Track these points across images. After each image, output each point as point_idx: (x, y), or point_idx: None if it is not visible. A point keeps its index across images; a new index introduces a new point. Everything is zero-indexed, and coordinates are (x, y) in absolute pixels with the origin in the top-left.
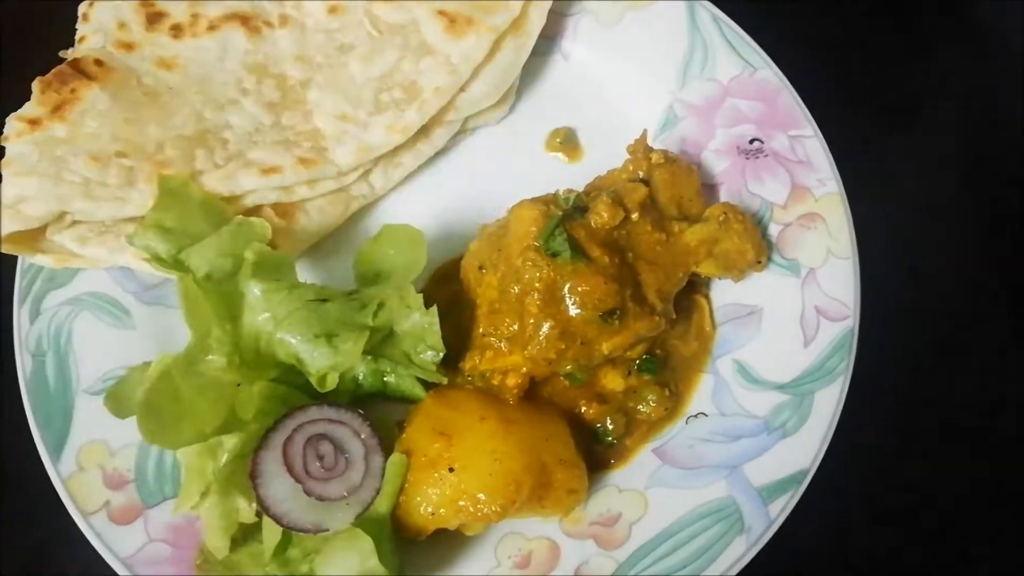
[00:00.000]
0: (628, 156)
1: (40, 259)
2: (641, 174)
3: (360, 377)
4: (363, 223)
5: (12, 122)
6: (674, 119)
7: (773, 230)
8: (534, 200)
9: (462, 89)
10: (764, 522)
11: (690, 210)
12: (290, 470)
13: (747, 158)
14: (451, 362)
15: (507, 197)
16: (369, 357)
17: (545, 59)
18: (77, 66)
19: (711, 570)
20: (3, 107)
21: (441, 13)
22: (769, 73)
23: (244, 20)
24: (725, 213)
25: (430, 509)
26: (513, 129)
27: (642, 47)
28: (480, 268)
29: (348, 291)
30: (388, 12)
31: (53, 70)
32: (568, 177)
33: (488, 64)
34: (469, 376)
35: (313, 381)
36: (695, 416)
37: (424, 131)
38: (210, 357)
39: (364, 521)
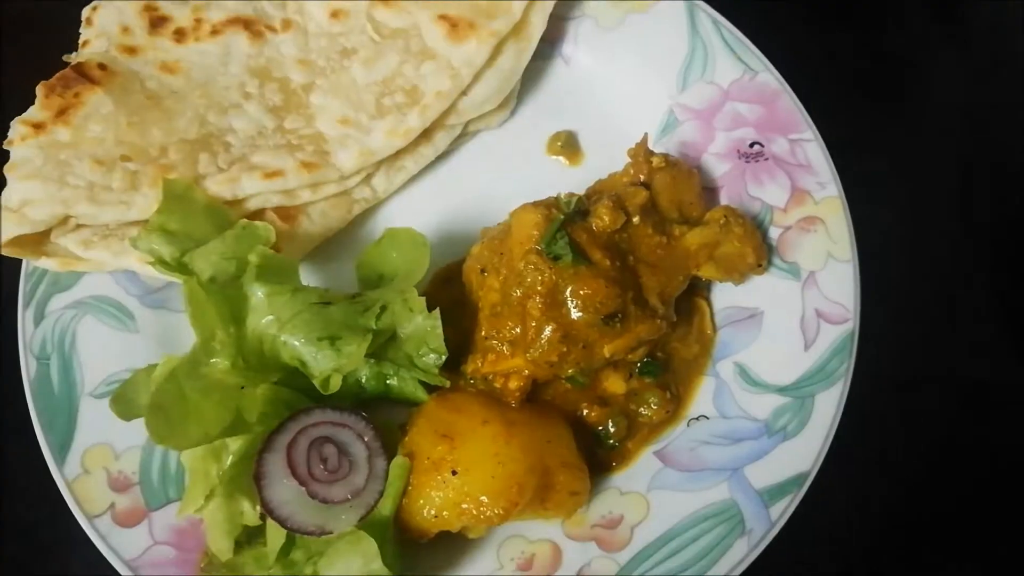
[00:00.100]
0: (629, 160)
1: (44, 262)
2: (642, 178)
3: (363, 380)
4: (365, 226)
5: (16, 126)
6: (674, 123)
7: (773, 233)
8: (535, 204)
9: (464, 93)
10: (765, 524)
11: (691, 213)
12: (294, 473)
13: (747, 161)
14: (453, 365)
15: (508, 200)
16: (372, 360)
17: (546, 63)
18: (81, 70)
19: (713, 572)
20: (7, 111)
21: (442, 18)
22: (769, 77)
23: (247, 24)
24: (726, 216)
25: (433, 512)
26: (514, 133)
27: (642, 51)
28: (482, 271)
29: (351, 294)
30: (390, 17)
31: (57, 74)
32: (569, 181)
33: (489, 68)
34: (471, 379)
35: (317, 384)
36: (696, 419)
37: (426, 135)
38: (214, 360)
39: (367, 524)
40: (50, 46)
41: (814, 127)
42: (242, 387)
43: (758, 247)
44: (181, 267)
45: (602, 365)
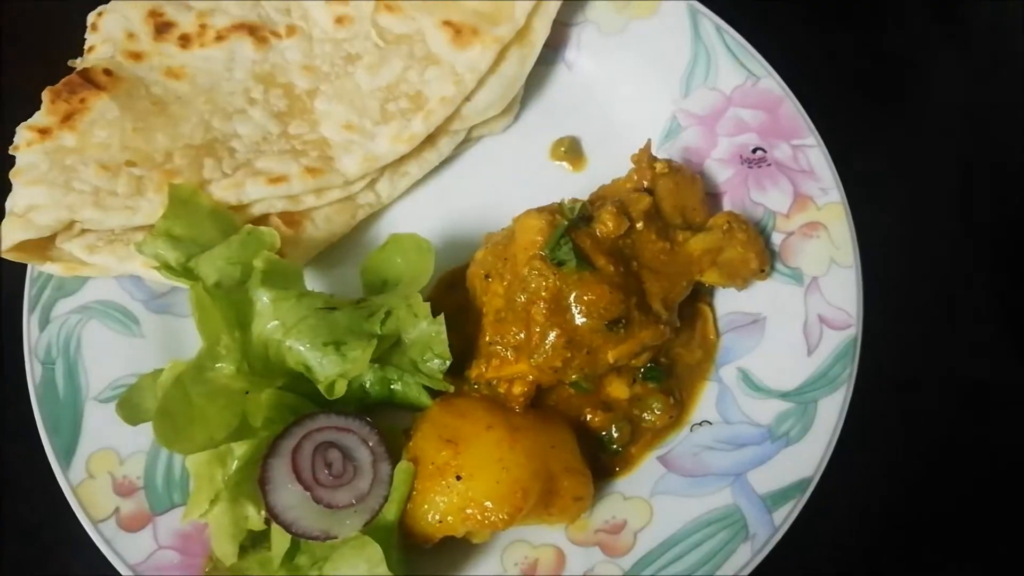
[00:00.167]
0: (632, 165)
1: (49, 267)
2: (645, 184)
3: (367, 385)
4: (369, 232)
5: (22, 131)
6: (677, 128)
7: (776, 239)
8: (539, 209)
9: (467, 99)
10: (768, 530)
11: (694, 219)
12: (299, 477)
13: (750, 167)
14: (457, 370)
15: (511, 206)
16: (376, 365)
17: (549, 69)
18: (86, 76)
19: None
20: (13, 117)
21: (446, 24)
22: (772, 82)
23: (252, 30)
24: (729, 222)
25: (437, 517)
26: (518, 138)
27: (645, 56)
28: (486, 277)
29: (356, 300)
30: (394, 23)
31: (63, 80)
32: (572, 186)
33: (493, 74)
34: (475, 384)
35: (322, 389)
36: (699, 424)
37: (430, 140)
38: (219, 365)
39: (372, 528)
40: (56, 51)
41: (816, 133)
42: (247, 392)
43: (761, 253)
44: (186, 272)
45: (606, 370)
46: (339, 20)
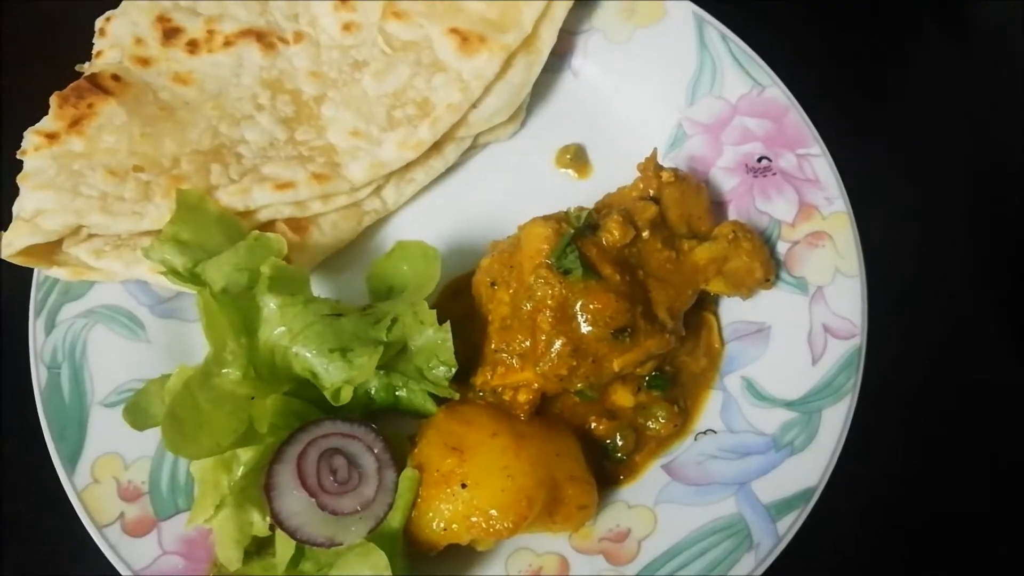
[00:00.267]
0: (638, 174)
1: (56, 272)
2: (651, 192)
3: (372, 391)
4: (375, 238)
5: (30, 136)
6: (683, 136)
7: (781, 248)
8: (546, 218)
9: (474, 106)
10: (772, 539)
11: (699, 228)
12: (304, 484)
13: (755, 176)
14: (462, 377)
15: (517, 213)
16: (382, 372)
17: (555, 76)
18: (94, 81)
19: None
20: (21, 121)
21: (453, 31)
22: (777, 91)
23: (259, 36)
24: (734, 231)
25: (442, 525)
26: (524, 145)
27: (651, 65)
28: (492, 284)
29: (362, 306)
30: (401, 30)
31: (70, 85)
32: (578, 193)
33: (500, 81)
34: (480, 391)
35: (327, 395)
36: (704, 433)
37: (436, 147)
38: (226, 370)
39: (377, 536)
40: (64, 56)
41: (821, 142)
42: (252, 397)
43: (766, 262)
44: (193, 278)
45: (611, 379)
46: (346, 27)
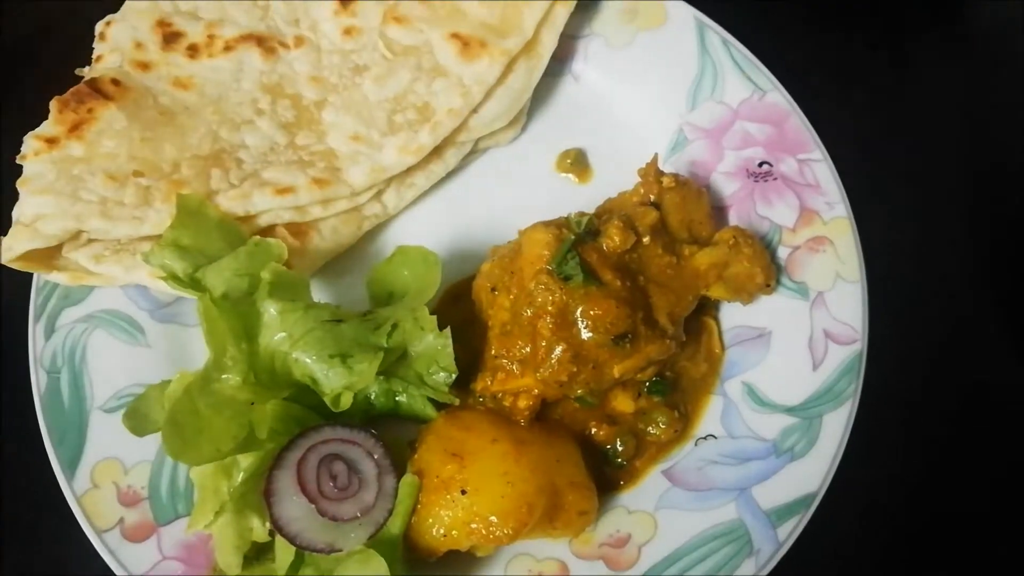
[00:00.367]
0: (639, 179)
1: (55, 276)
2: (652, 197)
3: (372, 397)
4: (375, 243)
5: (30, 141)
6: (684, 141)
7: (782, 253)
8: (546, 223)
9: (474, 111)
10: (773, 545)
11: (700, 233)
12: (304, 490)
13: (756, 181)
14: (462, 383)
15: (518, 217)
16: (382, 377)
17: (556, 81)
18: (94, 85)
19: None
20: (21, 126)
21: (454, 36)
22: (778, 96)
23: (260, 41)
24: (735, 237)
25: (442, 531)
26: (524, 150)
27: (652, 69)
28: (492, 290)
29: (362, 312)
30: (402, 35)
31: (70, 89)
32: (578, 198)
33: (500, 86)
34: (480, 397)
35: (327, 401)
36: (704, 438)
37: (436, 152)
38: (226, 376)
39: (377, 542)
40: (64, 60)
41: (822, 147)
42: (252, 403)
43: (767, 267)
44: (194, 283)
45: (611, 385)
46: (347, 31)
